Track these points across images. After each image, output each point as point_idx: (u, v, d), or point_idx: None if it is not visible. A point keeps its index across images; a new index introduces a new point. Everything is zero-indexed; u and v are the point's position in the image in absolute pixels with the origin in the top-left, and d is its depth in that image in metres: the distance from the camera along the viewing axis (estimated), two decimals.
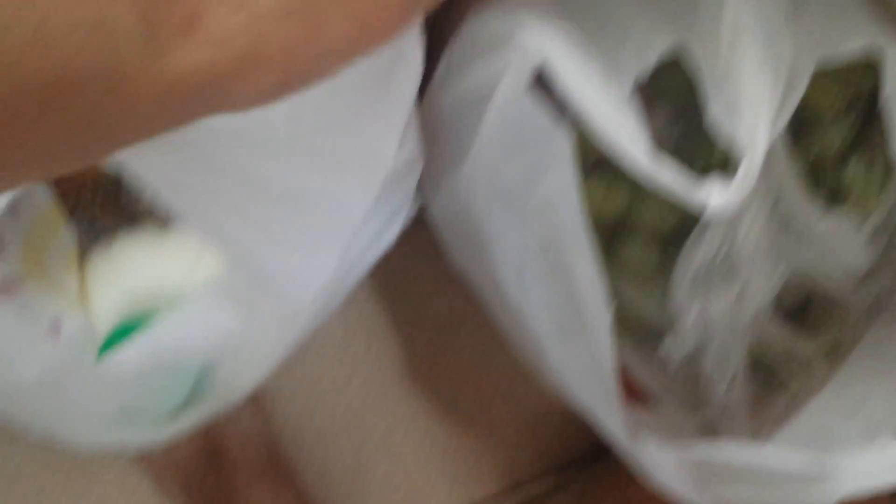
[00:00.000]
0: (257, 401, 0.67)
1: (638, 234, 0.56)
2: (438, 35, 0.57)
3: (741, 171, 0.37)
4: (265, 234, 0.35)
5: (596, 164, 0.53)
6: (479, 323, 0.76)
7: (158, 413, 0.38)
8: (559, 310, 0.49)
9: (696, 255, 0.46)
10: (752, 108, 0.37)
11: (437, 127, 0.54)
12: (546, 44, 0.44)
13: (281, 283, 0.36)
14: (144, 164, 0.30)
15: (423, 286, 0.76)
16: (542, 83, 0.47)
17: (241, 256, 0.36)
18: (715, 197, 0.36)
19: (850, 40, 0.42)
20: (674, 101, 0.53)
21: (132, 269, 0.47)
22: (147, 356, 0.36)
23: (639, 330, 0.55)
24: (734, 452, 0.42)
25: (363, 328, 0.74)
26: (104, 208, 0.57)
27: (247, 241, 0.34)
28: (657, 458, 0.45)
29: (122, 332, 0.43)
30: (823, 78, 0.48)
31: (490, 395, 0.77)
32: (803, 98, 0.47)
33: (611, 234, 0.56)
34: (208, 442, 0.62)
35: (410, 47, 0.46)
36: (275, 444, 0.67)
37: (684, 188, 0.37)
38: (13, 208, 0.49)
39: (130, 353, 0.36)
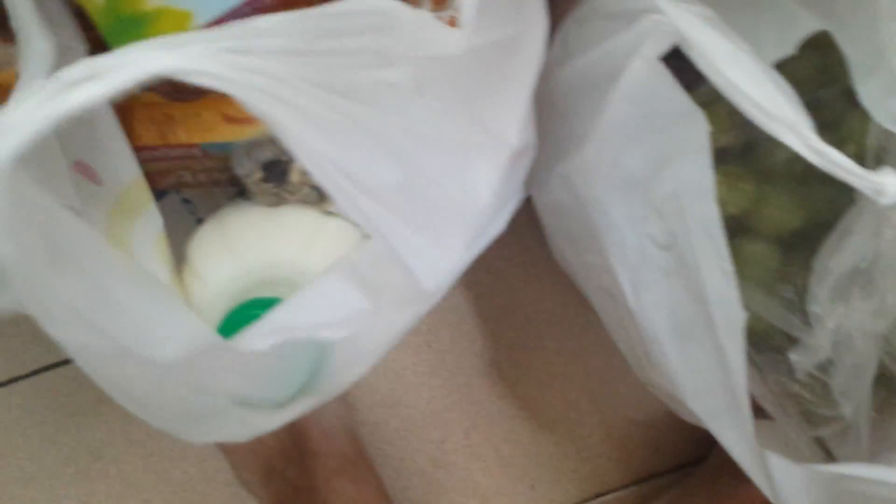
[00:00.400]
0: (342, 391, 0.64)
1: (760, 234, 0.52)
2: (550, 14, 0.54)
3: None
4: (396, 215, 0.32)
5: (719, 155, 0.49)
6: (567, 323, 0.73)
7: (276, 399, 0.36)
8: (680, 310, 0.46)
9: (839, 260, 0.43)
10: None
11: (551, 110, 0.51)
12: (686, 20, 0.41)
13: (409, 267, 0.34)
14: (296, 137, 0.27)
15: (512, 282, 0.73)
16: (669, 65, 0.44)
17: (373, 236, 0.33)
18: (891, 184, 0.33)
19: None
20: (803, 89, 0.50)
21: (247, 246, 0.45)
22: (276, 337, 0.34)
23: (757, 337, 0.52)
24: (880, 474, 0.39)
25: (449, 321, 0.71)
26: (212, 182, 0.55)
27: (379, 221, 0.32)
28: (788, 474, 0.41)
29: (248, 312, 0.41)
30: None
31: (575, 398, 0.74)
32: None
33: (731, 233, 0.52)
34: (292, 431, 0.60)
35: (534, 23, 0.43)
36: (357, 437, 0.65)
37: (860, 176, 0.34)
38: (96, 177, 0.47)
39: (259, 333, 0.34)
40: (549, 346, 0.73)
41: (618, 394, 0.74)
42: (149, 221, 0.49)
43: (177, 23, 0.42)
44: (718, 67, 0.37)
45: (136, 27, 0.42)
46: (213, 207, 0.62)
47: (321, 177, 0.29)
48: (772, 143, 0.41)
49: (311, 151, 0.28)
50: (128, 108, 0.48)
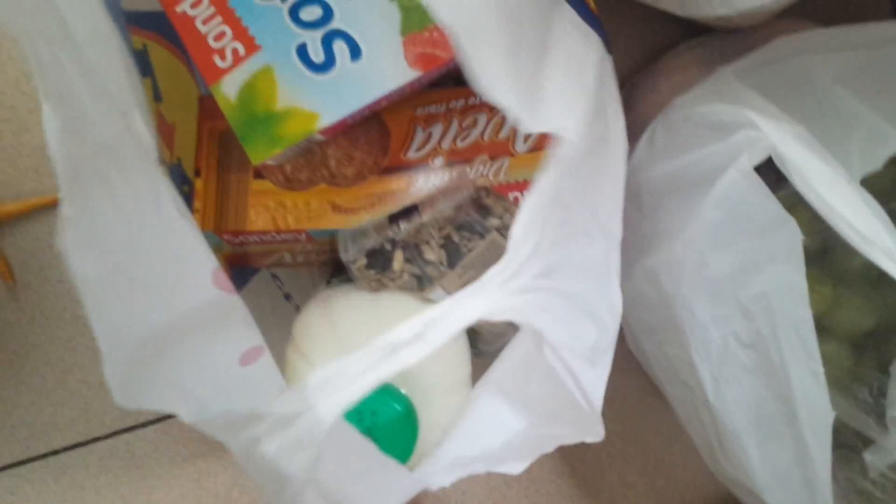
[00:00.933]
0: None
1: (834, 334, 0.54)
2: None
3: None
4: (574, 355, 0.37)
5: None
6: (629, 405, 0.75)
7: None
8: (762, 406, 0.48)
9: None
10: None
11: (636, 206, 0.54)
12: (780, 138, 0.44)
13: (578, 386, 0.37)
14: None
15: None
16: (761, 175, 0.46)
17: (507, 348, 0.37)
18: None
19: None
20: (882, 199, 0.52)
21: (351, 328, 0.48)
22: (458, 473, 0.38)
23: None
24: None
25: None
26: (309, 263, 0.58)
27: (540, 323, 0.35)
28: None
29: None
30: None
31: (633, 481, 0.75)
32: None
33: None
34: None
35: (617, 119, 0.46)
36: None
37: None
38: None
39: (440, 469, 0.37)
40: (610, 427, 0.75)
41: (676, 479, 0.75)
42: None
43: (304, 122, 0.45)
44: (814, 188, 0.40)
45: (266, 125, 0.45)
46: (299, 283, 0.65)
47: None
48: (848, 248, 0.44)
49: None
50: (242, 194, 0.52)
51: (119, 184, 0.39)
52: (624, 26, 0.67)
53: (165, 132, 0.52)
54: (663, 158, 0.52)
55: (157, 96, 0.52)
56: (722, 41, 0.63)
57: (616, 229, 0.44)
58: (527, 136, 0.52)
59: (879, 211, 0.39)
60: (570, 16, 0.42)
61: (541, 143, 0.51)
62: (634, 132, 0.54)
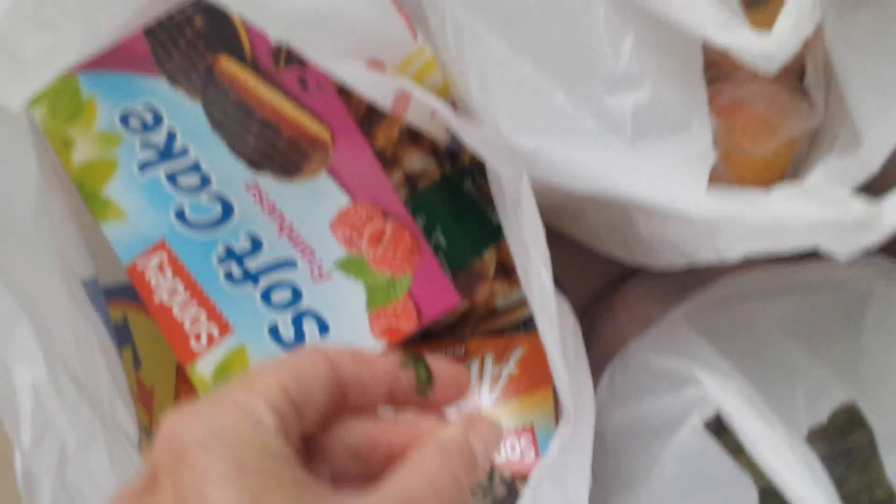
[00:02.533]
0: None
1: None
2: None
3: None
4: None
5: None
6: None
7: None
8: None
9: None
10: None
11: (601, 446, 0.56)
12: (725, 398, 0.46)
13: None
14: None
15: None
16: (715, 429, 0.49)
17: None
18: None
19: None
20: (836, 443, 0.54)
21: None
22: None
23: None
24: None
25: None
26: None
27: None
28: None
29: None
30: None
31: None
32: None
33: None
34: None
35: (586, 402, 0.49)
36: None
37: None
38: None
39: None
40: None
41: None
42: None
43: None
44: (759, 452, 0.42)
45: None
46: None
47: None
48: None
49: None
50: None
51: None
52: (581, 255, 0.71)
53: (144, 397, 0.54)
54: (623, 403, 0.54)
55: (136, 362, 0.55)
56: (674, 274, 0.67)
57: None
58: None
59: (823, 479, 0.42)
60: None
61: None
62: (596, 367, 0.56)
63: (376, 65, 0.46)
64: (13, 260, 0.40)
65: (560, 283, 0.56)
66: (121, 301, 0.55)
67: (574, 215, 0.59)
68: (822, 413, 0.46)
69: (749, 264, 0.63)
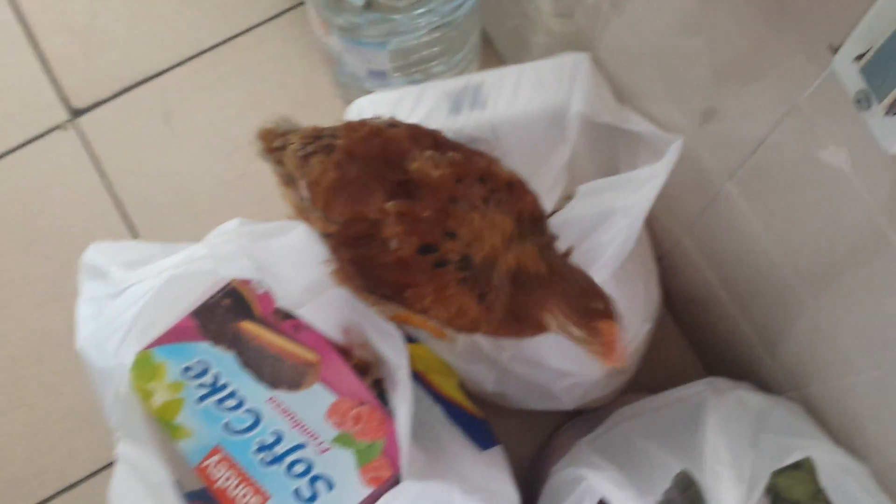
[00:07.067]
0: None
1: None
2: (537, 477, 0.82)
3: None
4: None
5: None
6: None
7: None
8: None
9: None
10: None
11: None
12: (603, 485, 0.69)
13: None
14: None
15: None
16: None
17: None
18: None
19: (792, 455, 0.66)
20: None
21: None
22: None
23: None
24: None
25: None
26: None
27: None
28: None
29: None
30: (794, 474, 0.71)
31: None
32: (783, 489, 0.70)
33: None
34: None
35: None
36: None
37: None
38: None
39: None
40: None
41: None
42: None
43: None
44: None
45: None
46: None
47: None
48: None
49: None
50: None
51: None
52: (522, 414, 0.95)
53: None
54: None
55: None
56: (589, 418, 0.90)
57: None
58: None
59: None
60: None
61: None
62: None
63: None
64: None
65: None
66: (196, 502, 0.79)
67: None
68: (668, 480, 0.69)
69: (634, 397, 0.87)
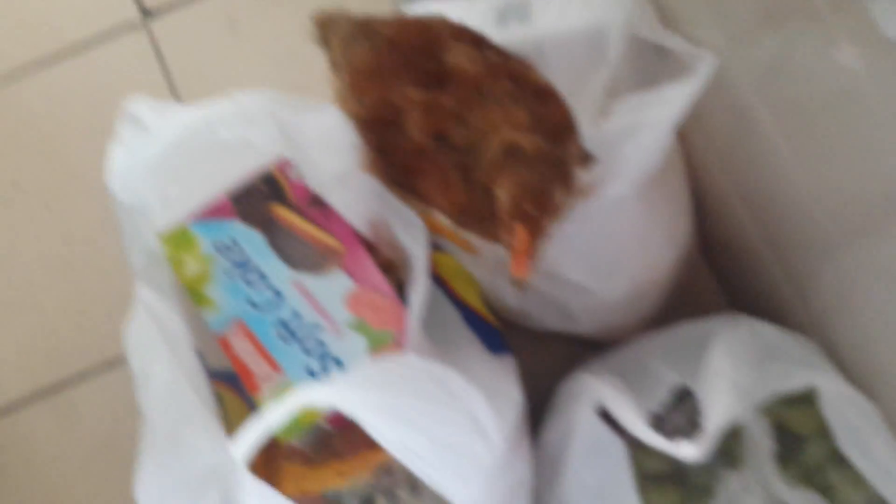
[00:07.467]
0: None
1: None
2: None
3: (703, 438, 0.60)
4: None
5: (658, 476, 0.75)
6: None
7: None
8: None
9: None
10: (714, 406, 0.61)
11: (540, 456, 0.79)
12: (603, 392, 0.70)
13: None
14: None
15: None
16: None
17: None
18: (686, 449, 0.59)
19: (795, 379, 0.66)
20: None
21: None
22: None
23: None
24: None
25: None
26: None
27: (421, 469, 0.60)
28: None
29: None
30: (800, 407, 0.71)
31: None
32: (789, 422, 0.70)
33: None
34: None
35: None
36: None
37: (670, 447, 0.60)
38: None
39: None
40: None
41: None
42: None
43: (311, 415, 0.73)
44: (618, 417, 0.66)
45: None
46: None
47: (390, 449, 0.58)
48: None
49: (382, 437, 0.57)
50: (277, 473, 0.78)
51: None
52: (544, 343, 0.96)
53: None
54: (550, 421, 0.78)
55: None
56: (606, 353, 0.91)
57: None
58: None
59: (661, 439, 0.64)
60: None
61: None
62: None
63: None
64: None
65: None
66: (218, 381, 0.82)
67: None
68: (665, 392, 0.70)
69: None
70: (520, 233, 0.59)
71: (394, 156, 0.68)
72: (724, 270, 0.98)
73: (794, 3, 0.60)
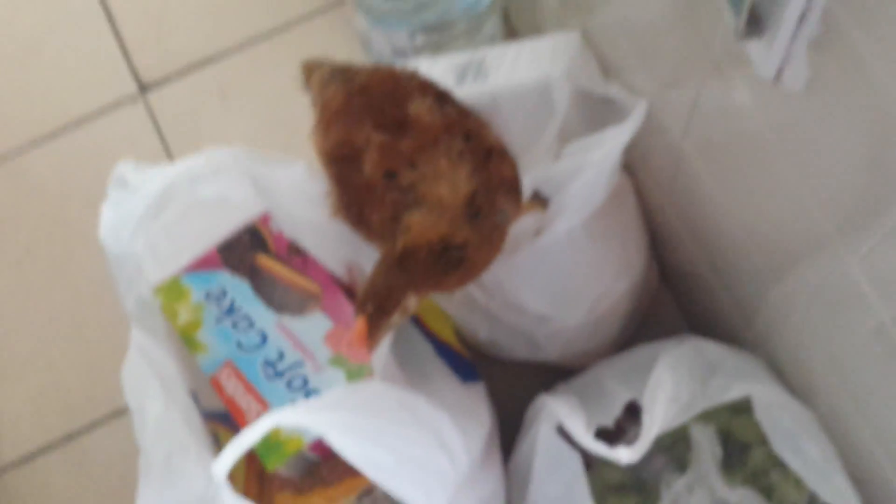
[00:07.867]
0: None
1: None
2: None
3: (638, 444, 0.67)
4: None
5: (619, 486, 0.81)
6: None
7: None
8: None
9: None
10: (652, 415, 0.68)
11: (512, 472, 0.85)
12: (559, 410, 0.76)
13: None
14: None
15: None
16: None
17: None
18: (621, 453, 0.66)
19: (732, 391, 0.73)
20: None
21: None
22: None
23: None
24: None
25: None
26: None
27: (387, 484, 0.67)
28: None
29: None
30: (748, 418, 0.77)
31: None
32: (735, 430, 0.77)
33: None
34: None
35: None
36: None
37: (609, 453, 0.67)
38: None
39: None
40: None
41: None
42: None
43: (295, 443, 0.79)
44: (574, 434, 0.72)
45: (276, 447, 0.79)
46: None
47: (355, 464, 0.65)
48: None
49: (349, 453, 0.64)
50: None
51: None
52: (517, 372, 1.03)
53: None
54: (519, 441, 0.84)
55: None
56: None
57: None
58: None
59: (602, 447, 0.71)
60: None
61: None
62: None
63: None
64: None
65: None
66: (213, 421, 0.90)
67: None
68: (619, 408, 0.76)
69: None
70: (358, 324, 0.68)
71: (349, 188, 0.76)
72: (682, 297, 1.05)
73: (699, 52, 0.68)
